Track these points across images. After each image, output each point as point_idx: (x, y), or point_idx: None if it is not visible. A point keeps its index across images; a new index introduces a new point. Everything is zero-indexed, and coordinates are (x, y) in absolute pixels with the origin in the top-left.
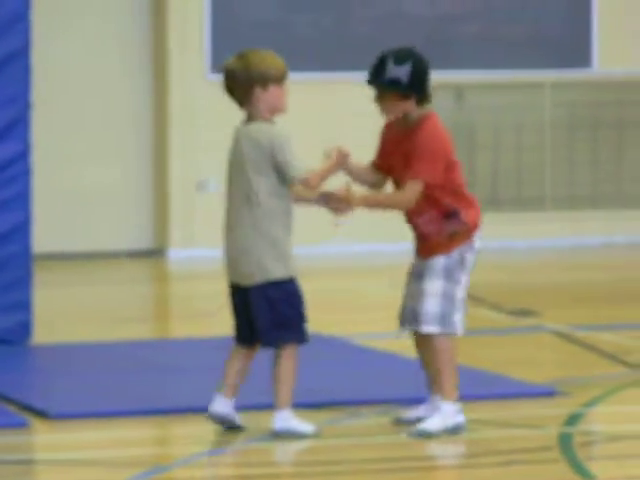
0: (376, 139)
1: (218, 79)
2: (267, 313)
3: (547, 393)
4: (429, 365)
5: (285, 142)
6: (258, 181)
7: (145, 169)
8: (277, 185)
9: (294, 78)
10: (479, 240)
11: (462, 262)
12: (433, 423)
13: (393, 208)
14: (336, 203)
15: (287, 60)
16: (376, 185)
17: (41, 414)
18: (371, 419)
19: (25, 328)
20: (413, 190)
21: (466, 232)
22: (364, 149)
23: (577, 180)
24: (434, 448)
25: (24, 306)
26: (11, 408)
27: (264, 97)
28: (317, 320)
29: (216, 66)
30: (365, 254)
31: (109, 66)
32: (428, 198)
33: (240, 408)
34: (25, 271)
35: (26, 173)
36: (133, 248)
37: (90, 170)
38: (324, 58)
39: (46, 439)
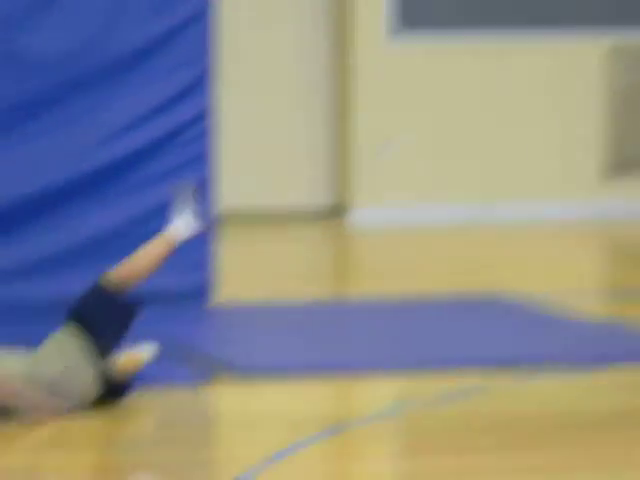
0: None
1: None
2: None
3: None
4: None
5: None
6: None
7: (329, 127)
8: None
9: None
10: None
11: None
12: None
13: None
14: None
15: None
16: None
17: (224, 371)
18: None
19: (207, 286)
20: None
21: None
22: None
23: None
24: None
25: (207, 264)
26: (195, 365)
27: None
28: None
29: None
30: None
31: (290, 23)
32: None
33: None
34: (208, 229)
35: (208, 132)
36: (316, 207)
37: (274, 128)
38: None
39: (229, 396)
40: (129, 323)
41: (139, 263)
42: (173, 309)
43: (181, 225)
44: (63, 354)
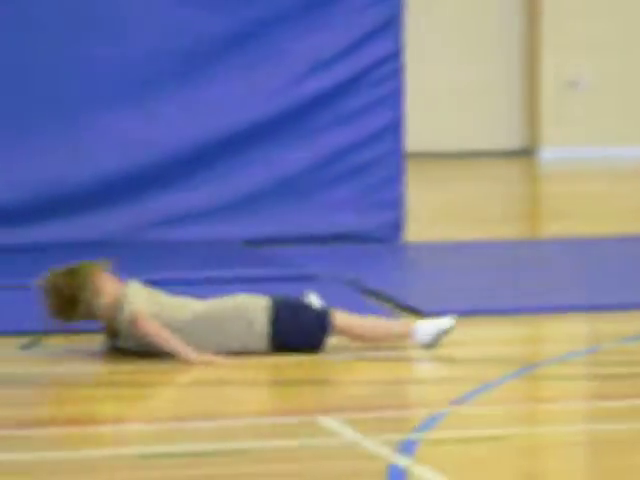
0: None
1: None
2: None
3: None
4: None
5: None
6: None
7: (516, 67)
8: None
9: None
10: None
11: None
12: None
13: None
14: None
15: None
16: None
17: (414, 312)
18: None
19: (397, 226)
20: None
21: None
22: None
23: None
24: None
25: (396, 204)
26: (385, 306)
27: None
28: None
29: None
30: None
31: None
32: None
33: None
34: (397, 169)
35: (398, 72)
36: (504, 147)
37: (462, 69)
38: None
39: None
40: (313, 334)
41: (361, 328)
42: (364, 248)
43: (426, 326)
44: (241, 310)
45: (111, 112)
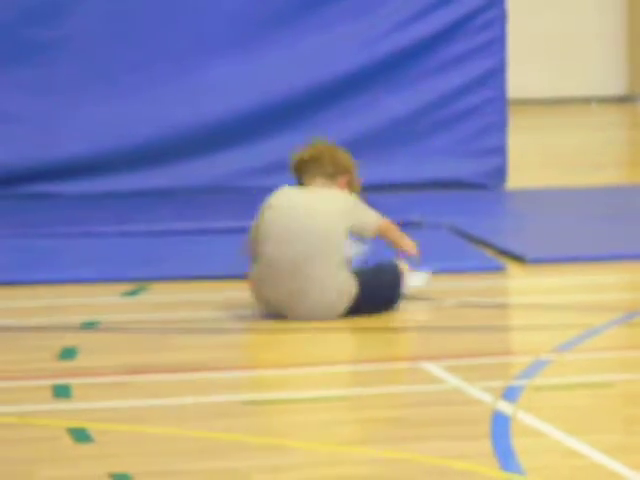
0: None
1: None
2: None
3: None
4: None
5: None
6: None
7: (619, 15)
8: None
9: None
10: None
11: None
12: None
13: None
14: None
15: None
16: None
17: (517, 258)
18: None
19: (500, 173)
20: None
21: None
22: None
23: None
24: None
25: (499, 151)
26: (488, 252)
27: None
28: None
29: None
30: None
31: None
32: None
33: None
34: (500, 116)
35: (501, 18)
36: (604, 94)
37: (564, 16)
38: None
39: (521, 283)
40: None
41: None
42: (467, 195)
43: (416, 277)
44: None
45: (219, 59)
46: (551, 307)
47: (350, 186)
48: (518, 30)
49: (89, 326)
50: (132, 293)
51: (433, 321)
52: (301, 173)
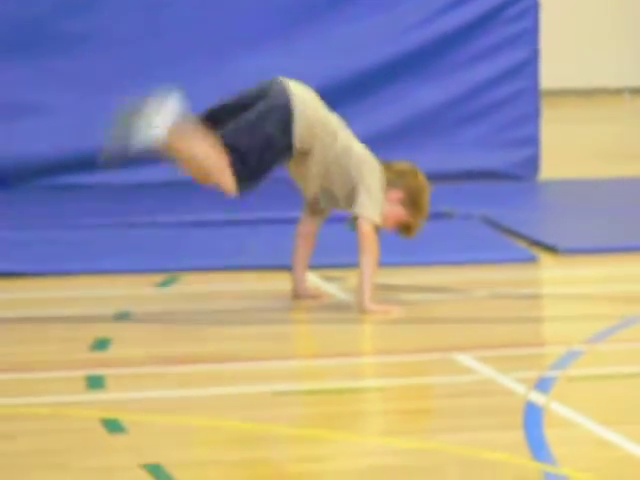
0: None
1: None
2: None
3: None
4: None
5: None
6: None
7: None
8: None
9: None
10: None
11: None
12: None
13: None
14: None
15: None
16: None
17: (550, 249)
18: None
19: (533, 164)
20: None
21: None
22: None
23: None
24: None
25: (532, 142)
26: (520, 243)
27: None
28: None
29: None
30: None
31: None
32: None
33: None
34: (533, 107)
35: (534, 8)
36: (637, 85)
37: (597, 5)
38: None
39: (554, 274)
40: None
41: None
42: (500, 185)
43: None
44: None
45: (252, 51)
46: (584, 298)
47: (402, 205)
48: (551, 20)
49: (122, 317)
50: (164, 284)
51: (465, 312)
52: None
